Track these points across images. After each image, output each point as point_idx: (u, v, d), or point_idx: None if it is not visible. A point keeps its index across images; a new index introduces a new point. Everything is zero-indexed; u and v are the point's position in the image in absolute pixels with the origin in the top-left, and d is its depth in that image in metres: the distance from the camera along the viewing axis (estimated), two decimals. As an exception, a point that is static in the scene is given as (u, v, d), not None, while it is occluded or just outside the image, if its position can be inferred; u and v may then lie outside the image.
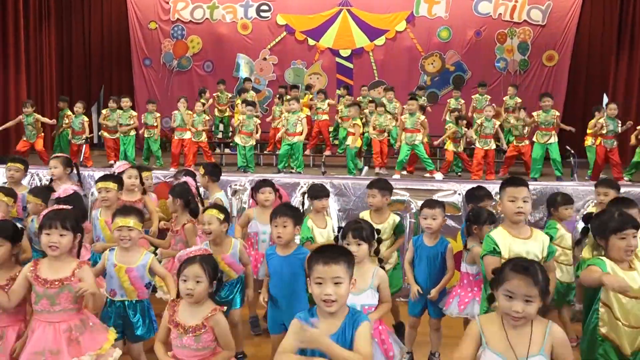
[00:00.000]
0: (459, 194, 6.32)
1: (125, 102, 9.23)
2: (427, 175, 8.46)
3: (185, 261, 2.82)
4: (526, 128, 8.67)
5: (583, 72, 12.17)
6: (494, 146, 8.49)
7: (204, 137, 9.13)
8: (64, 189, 3.96)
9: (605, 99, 11.34)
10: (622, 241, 2.86)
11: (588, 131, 8.70)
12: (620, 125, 8.14)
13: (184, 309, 2.81)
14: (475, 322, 2.37)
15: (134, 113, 9.30)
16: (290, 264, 3.52)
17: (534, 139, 8.36)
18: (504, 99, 10.54)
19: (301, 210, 4.61)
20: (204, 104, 9.72)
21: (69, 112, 9.46)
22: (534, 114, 8.43)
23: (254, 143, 8.78)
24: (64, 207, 3.24)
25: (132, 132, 9.13)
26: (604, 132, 8.10)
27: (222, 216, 3.88)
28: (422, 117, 8.51)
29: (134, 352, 3.43)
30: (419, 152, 8.36)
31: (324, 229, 4.34)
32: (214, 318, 2.77)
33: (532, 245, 3.09)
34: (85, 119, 9.23)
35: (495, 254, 3.07)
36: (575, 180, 7.67)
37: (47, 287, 2.91)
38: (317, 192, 4.50)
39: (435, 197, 6.36)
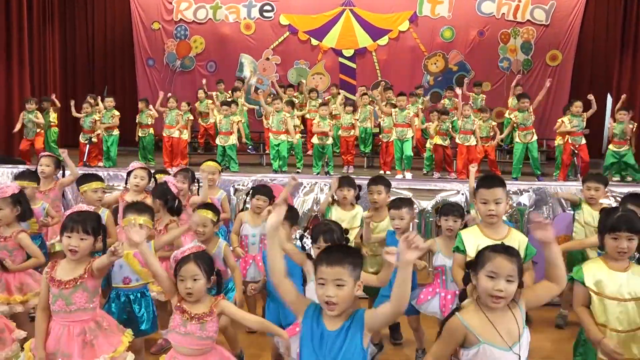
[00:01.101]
0: (462, 194, 6.31)
1: (109, 101, 9.20)
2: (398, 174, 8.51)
3: (180, 261, 2.81)
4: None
5: (587, 71, 12.13)
6: (474, 142, 8.52)
7: (185, 135, 9.16)
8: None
9: (610, 99, 11.30)
10: (614, 242, 2.84)
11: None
12: (584, 120, 8.18)
13: (189, 303, 2.81)
14: (458, 320, 2.33)
15: (117, 113, 9.23)
16: (287, 261, 3.50)
17: (516, 139, 8.44)
18: (510, 100, 10.49)
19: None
20: (188, 104, 9.62)
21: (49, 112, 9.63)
22: (512, 115, 8.56)
23: (235, 142, 8.89)
24: (87, 209, 3.20)
25: (115, 132, 9.11)
26: (568, 129, 8.16)
27: (216, 218, 3.95)
28: (412, 113, 8.60)
29: (136, 347, 3.43)
30: (405, 148, 8.43)
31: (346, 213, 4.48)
32: (220, 304, 2.80)
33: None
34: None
35: (460, 252, 3.13)
36: (579, 180, 7.65)
37: (61, 288, 2.89)
38: (340, 182, 4.56)
39: (438, 197, 6.37)
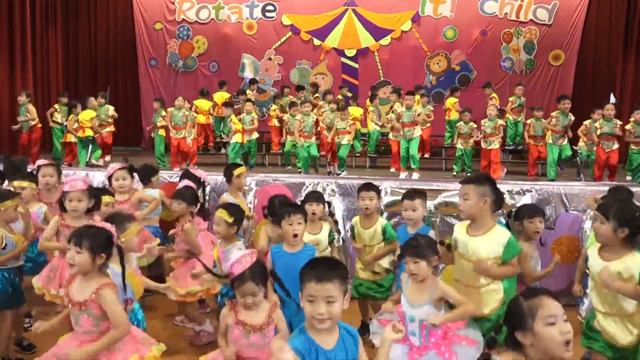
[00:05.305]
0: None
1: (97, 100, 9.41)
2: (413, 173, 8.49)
3: (236, 280, 2.76)
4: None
5: (590, 71, 12.11)
6: (497, 145, 8.49)
7: (183, 135, 9.02)
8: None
9: (612, 99, 11.27)
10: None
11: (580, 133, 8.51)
12: (617, 127, 7.95)
13: (244, 310, 2.80)
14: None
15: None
16: (301, 259, 3.43)
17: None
18: (510, 99, 10.50)
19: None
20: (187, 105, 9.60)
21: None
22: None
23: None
24: (94, 224, 2.94)
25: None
26: (598, 133, 7.99)
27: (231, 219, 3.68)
28: (419, 110, 8.61)
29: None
30: (411, 147, 8.45)
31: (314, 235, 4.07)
32: (277, 314, 2.82)
33: (480, 242, 3.06)
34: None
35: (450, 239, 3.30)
36: (582, 181, 7.64)
37: (72, 306, 2.73)
38: (306, 197, 4.32)
39: (441, 197, 6.34)
